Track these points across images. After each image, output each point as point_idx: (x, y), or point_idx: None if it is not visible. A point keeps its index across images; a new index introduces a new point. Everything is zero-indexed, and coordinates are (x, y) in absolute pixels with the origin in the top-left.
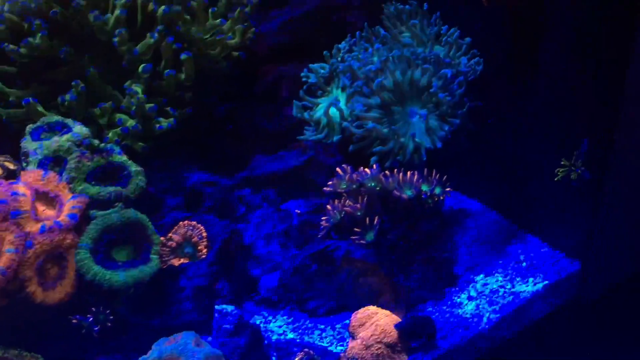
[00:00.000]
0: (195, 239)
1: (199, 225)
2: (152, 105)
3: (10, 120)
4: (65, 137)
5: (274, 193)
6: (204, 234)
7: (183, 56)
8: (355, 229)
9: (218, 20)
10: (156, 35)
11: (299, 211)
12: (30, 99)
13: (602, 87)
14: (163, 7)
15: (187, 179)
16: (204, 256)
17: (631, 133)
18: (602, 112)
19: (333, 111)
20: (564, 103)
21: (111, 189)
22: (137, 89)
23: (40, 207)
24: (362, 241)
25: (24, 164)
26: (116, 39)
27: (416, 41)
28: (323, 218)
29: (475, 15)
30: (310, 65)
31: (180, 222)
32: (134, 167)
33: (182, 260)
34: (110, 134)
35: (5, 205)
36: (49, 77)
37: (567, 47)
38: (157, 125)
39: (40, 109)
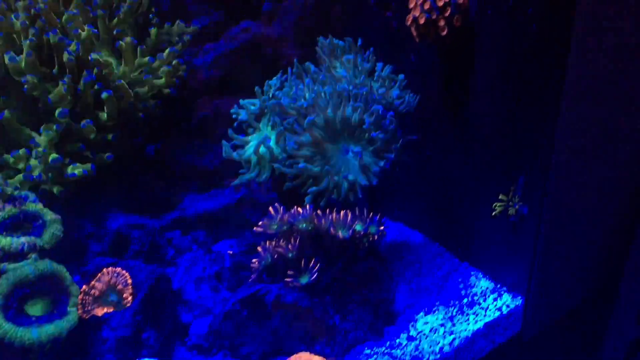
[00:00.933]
0: (120, 286)
1: (124, 271)
2: (56, 157)
3: None
4: None
5: (204, 235)
6: (129, 281)
7: (104, 95)
8: (289, 272)
9: (146, 59)
10: (66, 80)
11: (231, 252)
12: None
13: (536, 124)
14: (81, 51)
15: (112, 222)
16: (129, 304)
17: (566, 168)
18: (537, 148)
19: (263, 150)
20: (500, 138)
21: (24, 239)
22: (43, 139)
23: None
24: (296, 284)
25: None
26: (25, 86)
27: (349, 76)
28: (254, 260)
29: (408, 51)
30: (241, 101)
31: (104, 269)
32: (49, 216)
33: (106, 310)
34: (18, 180)
35: None
36: None
37: (499, 84)
38: (70, 173)
39: None
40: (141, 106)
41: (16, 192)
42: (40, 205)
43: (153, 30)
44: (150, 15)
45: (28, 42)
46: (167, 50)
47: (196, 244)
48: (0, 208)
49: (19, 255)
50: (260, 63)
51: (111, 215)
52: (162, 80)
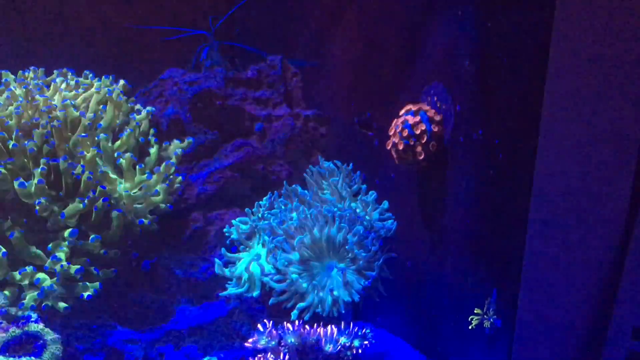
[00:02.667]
0: None
1: None
2: (78, 267)
3: None
4: None
5: (195, 350)
6: None
7: (114, 213)
8: None
9: (145, 175)
10: (86, 202)
11: None
12: None
13: (505, 239)
14: (87, 173)
15: (108, 336)
16: None
17: (537, 280)
18: (507, 263)
19: (254, 267)
20: (471, 252)
21: None
22: (61, 254)
23: None
24: None
25: None
26: (37, 208)
27: (336, 198)
28: None
29: (388, 168)
30: (233, 221)
31: None
32: (49, 336)
33: None
34: (27, 299)
35: None
36: None
37: (470, 202)
38: (85, 294)
39: None
40: (139, 222)
41: (20, 313)
42: (41, 326)
43: (153, 150)
44: (150, 137)
45: (40, 170)
46: (163, 164)
47: (187, 358)
48: (5, 329)
49: None
50: (251, 178)
51: (107, 329)
52: (160, 197)
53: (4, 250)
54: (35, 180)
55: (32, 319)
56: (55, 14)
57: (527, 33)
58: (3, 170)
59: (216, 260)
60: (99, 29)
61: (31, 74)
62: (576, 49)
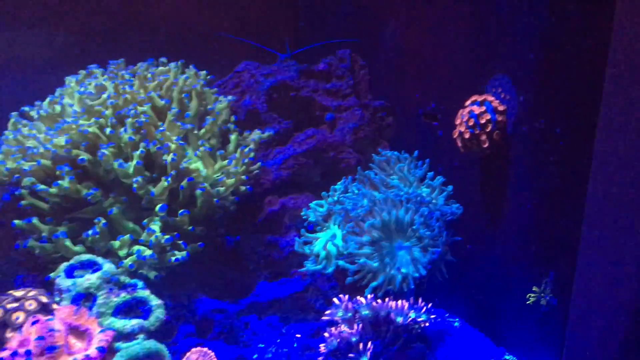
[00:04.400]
0: None
1: (210, 351)
2: (167, 237)
3: (42, 254)
4: (95, 274)
5: (277, 319)
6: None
7: (198, 191)
8: (349, 354)
9: (226, 161)
10: (169, 179)
11: (299, 335)
12: (59, 234)
13: (564, 223)
14: (171, 155)
15: (198, 307)
16: None
17: (593, 266)
18: (565, 247)
19: (330, 246)
20: (531, 235)
21: (134, 322)
22: (155, 227)
23: (72, 340)
24: None
25: (57, 299)
26: (135, 186)
27: (403, 183)
28: (322, 345)
29: (452, 156)
30: (310, 204)
31: (193, 349)
32: (154, 302)
33: None
34: (126, 260)
35: (43, 341)
36: (77, 216)
37: (530, 188)
38: (172, 258)
39: (67, 243)
40: (221, 203)
41: (127, 281)
42: (148, 292)
43: (233, 137)
44: (229, 124)
45: (138, 152)
46: (238, 150)
47: (270, 327)
48: (117, 294)
49: (130, 336)
50: (321, 165)
51: (197, 300)
52: (240, 180)
53: (104, 221)
54: (134, 162)
55: (139, 286)
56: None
57: (590, 26)
58: (107, 152)
59: (296, 239)
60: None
61: (118, 67)
62: (636, 42)
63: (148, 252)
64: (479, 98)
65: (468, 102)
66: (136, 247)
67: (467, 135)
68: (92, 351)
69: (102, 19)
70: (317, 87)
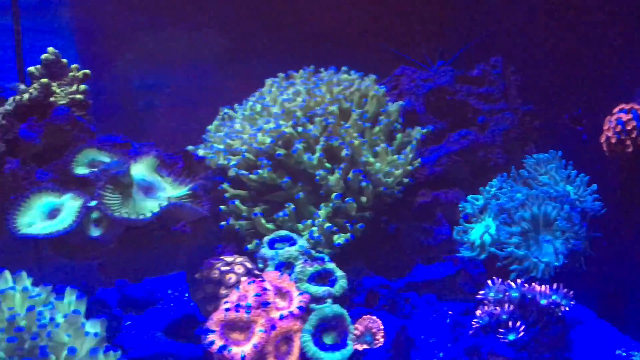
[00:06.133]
0: (374, 330)
1: (377, 319)
2: (329, 225)
3: (241, 230)
4: (294, 247)
5: (434, 297)
6: (381, 327)
7: (364, 184)
8: (500, 330)
9: (395, 156)
10: (341, 171)
11: (451, 312)
12: (257, 213)
13: None
14: (344, 151)
15: (366, 281)
16: (380, 344)
17: None
18: None
19: (486, 237)
20: None
21: (324, 288)
22: (322, 212)
23: (277, 299)
24: (505, 340)
25: (260, 265)
26: (317, 177)
27: (552, 182)
28: (473, 320)
29: (595, 159)
30: (468, 197)
31: (364, 316)
32: (339, 272)
33: (363, 346)
34: (301, 240)
35: (259, 297)
36: (270, 199)
37: None
38: (336, 242)
39: (262, 221)
40: (389, 192)
41: (317, 255)
42: (333, 265)
43: (399, 135)
44: (397, 124)
45: (320, 146)
46: (408, 147)
47: (427, 303)
48: (311, 264)
49: (320, 300)
50: (471, 164)
51: (365, 277)
52: (405, 173)
53: (293, 206)
54: (317, 154)
55: (326, 259)
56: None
57: None
58: (300, 147)
59: (455, 227)
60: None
61: (307, 74)
62: None
63: (316, 234)
64: (626, 106)
65: (616, 110)
66: (312, 228)
67: (613, 140)
68: (294, 309)
69: (270, 27)
70: (471, 91)
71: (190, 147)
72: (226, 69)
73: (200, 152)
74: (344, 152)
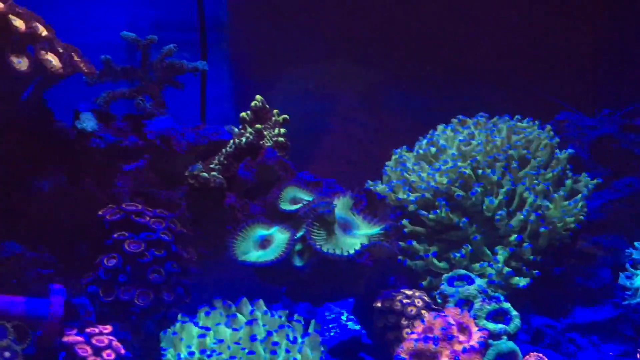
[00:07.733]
0: None
1: (544, 357)
2: (509, 270)
3: (415, 269)
4: (472, 286)
5: (595, 338)
6: None
7: (542, 230)
8: None
9: (567, 202)
10: (525, 214)
11: (611, 353)
12: (429, 254)
13: None
14: (532, 196)
15: (531, 320)
16: None
17: None
18: None
19: None
20: None
21: (500, 326)
22: (500, 257)
23: (457, 333)
24: None
25: (439, 301)
26: (497, 218)
27: None
28: None
29: None
30: (635, 243)
31: (531, 352)
32: (513, 312)
33: None
34: (477, 280)
35: (446, 330)
36: (445, 238)
37: None
38: (517, 284)
39: (435, 261)
40: (559, 237)
41: (493, 294)
42: (509, 304)
43: (568, 182)
44: (567, 171)
45: (504, 189)
46: (579, 195)
47: (590, 344)
48: (488, 302)
49: (497, 336)
50: (633, 211)
51: (531, 317)
52: (575, 219)
53: (470, 248)
54: (500, 197)
55: (501, 299)
56: None
57: None
58: (479, 190)
59: (620, 274)
60: None
61: (483, 120)
62: None
63: (495, 278)
64: None
65: None
66: (489, 271)
67: None
68: (475, 343)
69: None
70: (635, 140)
71: (370, 183)
72: (379, 101)
73: (379, 189)
74: (531, 198)
